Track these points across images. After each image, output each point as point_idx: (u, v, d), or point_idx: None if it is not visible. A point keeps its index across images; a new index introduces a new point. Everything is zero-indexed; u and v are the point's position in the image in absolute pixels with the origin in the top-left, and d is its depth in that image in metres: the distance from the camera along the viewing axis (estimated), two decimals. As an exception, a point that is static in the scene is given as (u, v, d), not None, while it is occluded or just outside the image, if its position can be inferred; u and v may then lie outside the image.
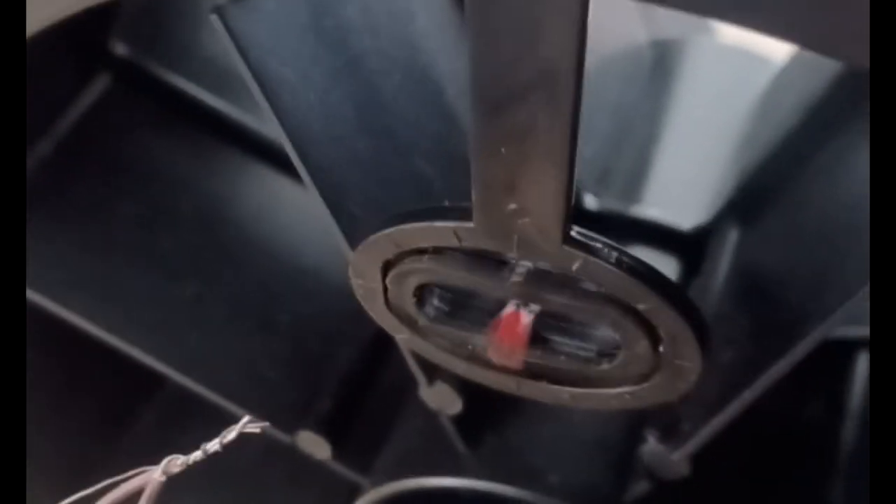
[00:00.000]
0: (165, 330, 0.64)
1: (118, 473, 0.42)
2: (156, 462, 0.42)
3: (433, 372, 0.52)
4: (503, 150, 0.34)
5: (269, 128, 0.67)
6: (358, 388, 0.65)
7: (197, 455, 0.40)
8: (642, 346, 0.39)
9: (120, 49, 0.68)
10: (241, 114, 0.69)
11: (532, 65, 0.30)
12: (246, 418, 0.39)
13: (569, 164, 0.34)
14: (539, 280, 0.39)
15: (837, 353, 0.58)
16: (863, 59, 0.29)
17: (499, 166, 0.35)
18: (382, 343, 0.58)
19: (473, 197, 0.37)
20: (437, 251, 0.41)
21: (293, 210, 0.69)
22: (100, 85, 0.68)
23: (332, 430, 0.63)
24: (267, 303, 0.66)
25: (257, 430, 0.39)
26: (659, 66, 0.70)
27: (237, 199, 0.70)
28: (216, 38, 0.57)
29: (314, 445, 0.63)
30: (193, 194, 0.68)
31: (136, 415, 0.81)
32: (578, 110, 0.32)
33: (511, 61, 0.30)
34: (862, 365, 0.59)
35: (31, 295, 0.60)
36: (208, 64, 0.70)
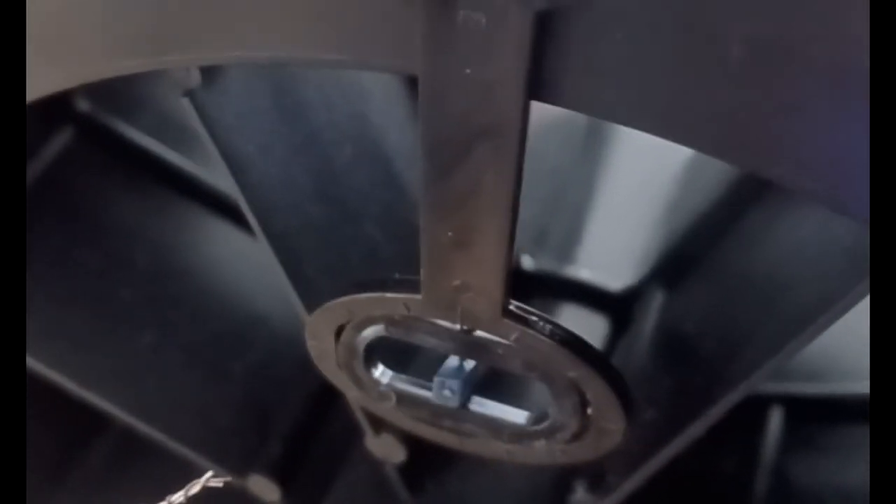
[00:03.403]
0: (122, 377, 0.66)
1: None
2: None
3: (379, 424, 0.56)
4: (450, 233, 0.38)
5: (224, 182, 0.71)
6: (307, 435, 0.68)
7: (161, 505, 0.42)
8: (572, 408, 0.44)
9: (82, 104, 0.71)
10: (197, 168, 0.72)
11: (479, 122, 0.34)
12: (210, 473, 0.42)
13: (508, 248, 0.38)
14: (479, 346, 0.43)
15: (751, 408, 0.63)
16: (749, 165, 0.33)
17: (445, 247, 0.39)
18: (330, 392, 0.61)
19: (422, 273, 0.41)
20: (388, 318, 0.44)
21: (246, 262, 0.72)
22: (62, 139, 0.70)
23: (281, 475, 0.66)
24: (220, 351, 0.69)
25: (220, 484, 0.42)
26: (592, 133, 0.74)
27: (192, 250, 0.73)
28: (174, 96, 0.60)
29: (264, 489, 0.66)
30: (151, 245, 0.70)
31: (83, 455, 0.83)
32: (520, 180, 0.36)
33: (459, 119, 0.34)
34: (775, 419, 0.64)
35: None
36: (166, 120, 0.73)
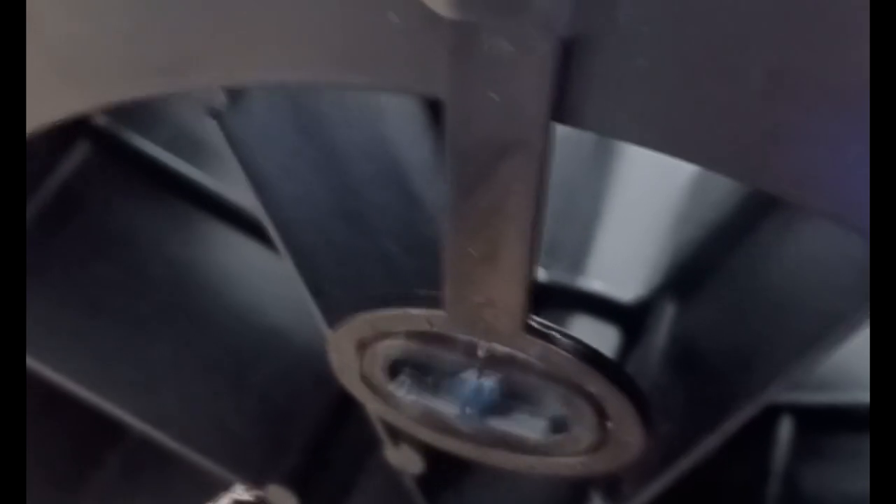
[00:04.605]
0: (141, 388, 0.67)
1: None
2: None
3: (398, 435, 0.57)
4: (473, 251, 0.39)
5: (240, 196, 0.72)
6: (324, 445, 0.69)
7: (192, 518, 0.43)
8: (592, 422, 0.45)
9: (99, 119, 0.72)
10: (214, 181, 0.73)
11: (503, 144, 0.35)
12: (239, 487, 0.43)
13: (530, 265, 0.39)
14: (501, 361, 0.44)
15: (762, 417, 0.63)
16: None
17: (469, 265, 0.40)
18: (347, 402, 0.62)
19: (445, 289, 0.42)
20: (410, 333, 0.45)
21: (262, 273, 0.73)
22: (80, 153, 0.71)
23: (299, 485, 0.67)
24: (237, 362, 0.70)
25: (250, 499, 0.43)
26: (602, 143, 0.75)
27: (209, 262, 0.74)
28: (195, 114, 0.60)
29: (282, 499, 0.67)
30: (168, 258, 0.71)
31: (99, 464, 0.84)
32: (544, 199, 0.37)
33: (484, 142, 0.35)
34: (785, 428, 0.64)
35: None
36: (182, 134, 0.74)
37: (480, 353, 0.44)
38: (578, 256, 0.69)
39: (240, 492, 0.43)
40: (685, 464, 0.49)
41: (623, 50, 0.32)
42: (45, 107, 0.47)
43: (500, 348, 0.43)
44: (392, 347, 0.46)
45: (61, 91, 0.46)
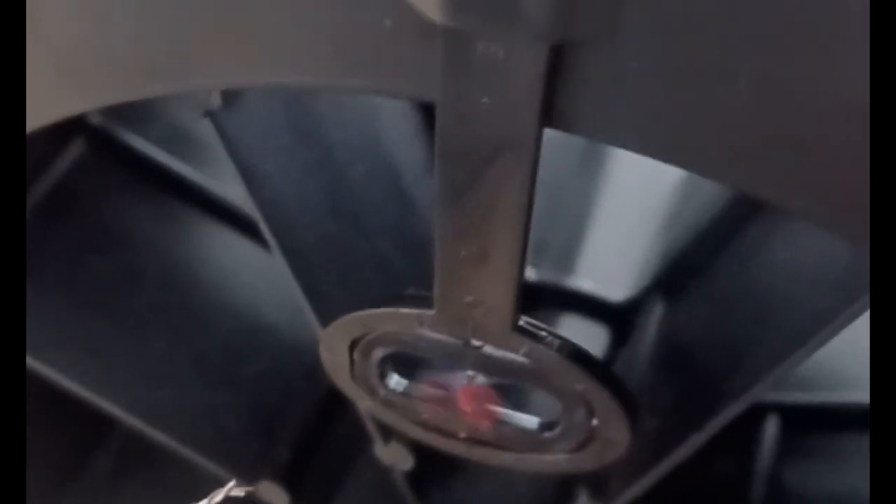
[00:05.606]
0: (134, 384, 0.68)
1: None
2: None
3: (389, 432, 0.57)
4: (463, 252, 0.40)
5: (233, 193, 0.72)
6: (315, 441, 0.70)
7: (186, 513, 0.44)
8: (579, 420, 0.45)
9: (94, 117, 0.72)
10: (207, 179, 0.74)
11: (493, 147, 0.35)
12: (232, 482, 0.43)
13: (519, 266, 0.39)
14: (490, 360, 0.45)
15: (748, 416, 0.64)
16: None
17: (459, 265, 0.40)
18: (337, 398, 0.62)
19: (435, 289, 0.42)
20: (401, 332, 0.46)
21: (254, 271, 0.73)
22: (74, 151, 0.71)
23: (290, 480, 0.67)
24: (229, 359, 0.71)
25: (241, 494, 0.44)
26: (591, 143, 0.75)
27: (202, 260, 0.74)
28: (184, 108, 0.60)
29: (273, 494, 0.67)
30: (162, 256, 0.72)
31: (90, 460, 0.84)
32: (532, 200, 0.37)
33: (474, 145, 0.35)
34: (771, 427, 0.65)
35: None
36: (176, 132, 0.75)
37: (470, 352, 0.45)
38: (568, 256, 0.70)
39: (233, 488, 0.44)
40: (671, 462, 0.50)
41: (614, 55, 0.32)
42: (45, 107, 0.47)
43: (490, 348, 0.44)
44: (383, 346, 0.47)
45: (61, 92, 0.46)
